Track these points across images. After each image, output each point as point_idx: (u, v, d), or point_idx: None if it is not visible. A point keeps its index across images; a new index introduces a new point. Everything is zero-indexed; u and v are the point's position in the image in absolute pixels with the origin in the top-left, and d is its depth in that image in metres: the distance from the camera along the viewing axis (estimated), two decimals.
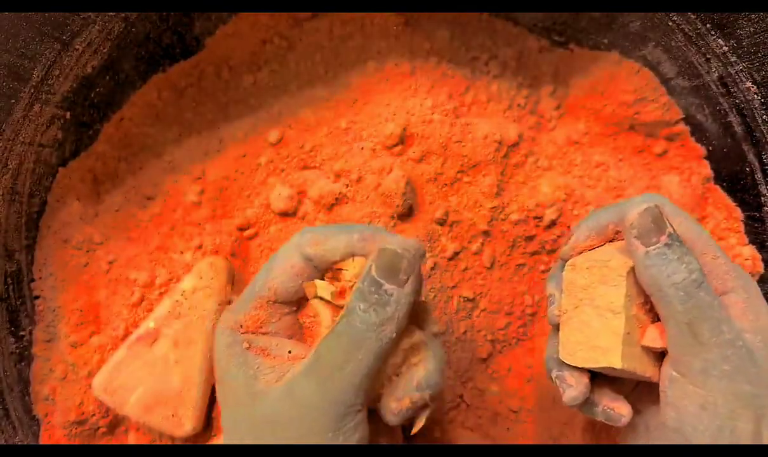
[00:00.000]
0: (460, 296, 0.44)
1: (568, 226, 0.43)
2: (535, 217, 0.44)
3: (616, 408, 0.31)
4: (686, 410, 0.28)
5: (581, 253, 0.32)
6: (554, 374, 0.32)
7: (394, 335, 0.27)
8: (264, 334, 0.31)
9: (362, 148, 0.43)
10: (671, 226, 0.28)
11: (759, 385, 0.27)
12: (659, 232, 0.28)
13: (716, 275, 0.29)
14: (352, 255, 0.30)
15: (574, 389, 0.31)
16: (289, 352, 0.30)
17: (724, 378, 0.27)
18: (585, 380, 0.31)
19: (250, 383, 0.28)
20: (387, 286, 0.28)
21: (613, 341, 0.28)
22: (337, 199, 0.42)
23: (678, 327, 0.27)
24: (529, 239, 0.44)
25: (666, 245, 0.27)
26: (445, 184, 0.43)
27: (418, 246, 0.29)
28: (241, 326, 0.31)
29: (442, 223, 0.43)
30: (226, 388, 0.30)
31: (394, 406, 0.29)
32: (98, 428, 0.41)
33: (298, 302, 0.32)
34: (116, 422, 0.42)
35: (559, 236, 0.44)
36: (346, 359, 0.27)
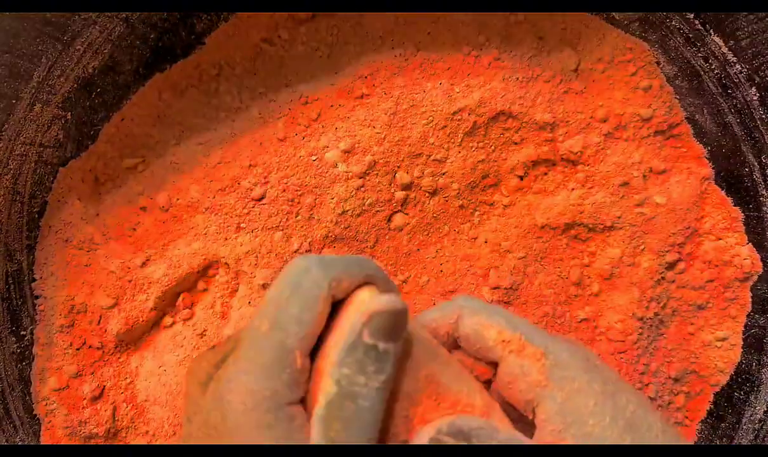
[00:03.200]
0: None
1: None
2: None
3: None
4: None
5: None
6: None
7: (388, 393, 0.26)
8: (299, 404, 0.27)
9: (363, 149, 0.43)
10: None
11: None
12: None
13: (524, 386, 0.29)
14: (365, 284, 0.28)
15: None
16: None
17: None
18: None
19: None
20: (383, 345, 0.26)
21: None
22: (343, 197, 0.42)
23: None
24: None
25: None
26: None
27: (402, 302, 0.26)
28: (280, 394, 0.26)
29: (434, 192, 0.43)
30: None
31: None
32: (99, 427, 0.41)
33: None
34: (116, 422, 0.42)
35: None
36: (359, 438, 0.25)
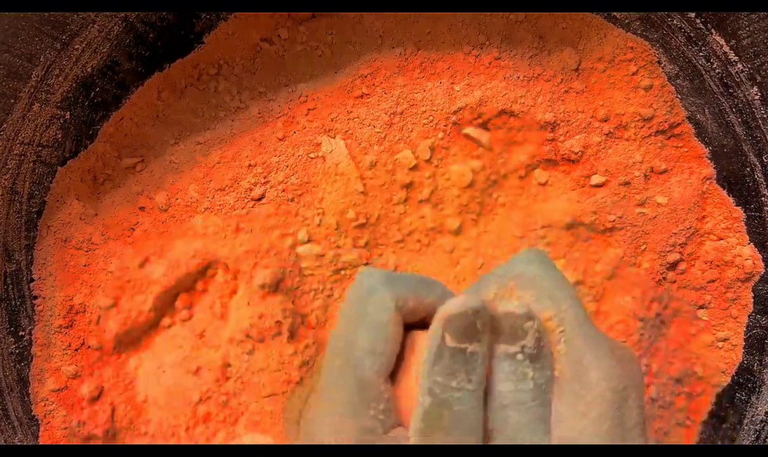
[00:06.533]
0: None
1: None
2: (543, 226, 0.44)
3: None
4: None
5: None
6: None
7: (484, 387, 0.26)
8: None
9: (363, 149, 0.43)
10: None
11: None
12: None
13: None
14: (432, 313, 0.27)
15: None
16: None
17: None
18: None
19: None
20: (471, 348, 0.25)
21: None
22: (343, 197, 0.42)
23: None
24: None
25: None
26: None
27: (479, 301, 0.26)
28: (370, 430, 0.26)
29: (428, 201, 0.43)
30: None
31: None
32: (97, 428, 0.41)
33: None
34: (115, 423, 0.42)
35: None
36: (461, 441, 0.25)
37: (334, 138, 0.43)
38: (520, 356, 0.27)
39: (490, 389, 0.27)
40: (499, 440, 0.26)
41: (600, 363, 0.27)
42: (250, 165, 0.43)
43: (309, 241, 0.43)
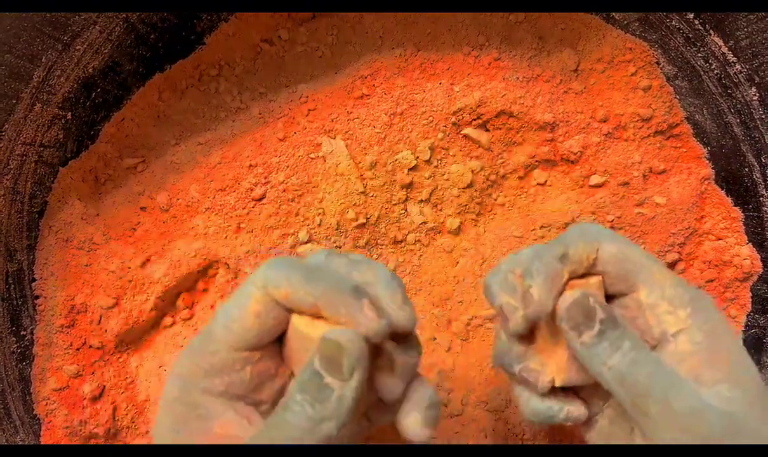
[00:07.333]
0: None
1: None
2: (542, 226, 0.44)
3: (575, 410, 0.30)
4: None
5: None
6: (516, 368, 0.30)
7: (335, 432, 0.24)
8: (218, 396, 0.27)
9: (363, 149, 0.43)
10: (602, 310, 0.27)
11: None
12: (589, 322, 0.27)
13: (666, 312, 0.28)
14: (319, 312, 0.26)
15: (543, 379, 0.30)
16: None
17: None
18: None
19: None
20: (328, 379, 0.24)
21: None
22: (343, 197, 0.42)
23: (629, 409, 0.26)
24: None
25: (597, 334, 0.27)
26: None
27: (359, 338, 0.25)
28: (196, 376, 0.27)
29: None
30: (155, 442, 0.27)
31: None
32: (99, 427, 0.41)
33: (271, 343, 0.28)
34: (117, 422, 0.42)
35: None
36: None
37: (334, 138, 0.43)
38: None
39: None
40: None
41: None
42: (250, 165, 0.43)
43: (309, 241, 0.43)
